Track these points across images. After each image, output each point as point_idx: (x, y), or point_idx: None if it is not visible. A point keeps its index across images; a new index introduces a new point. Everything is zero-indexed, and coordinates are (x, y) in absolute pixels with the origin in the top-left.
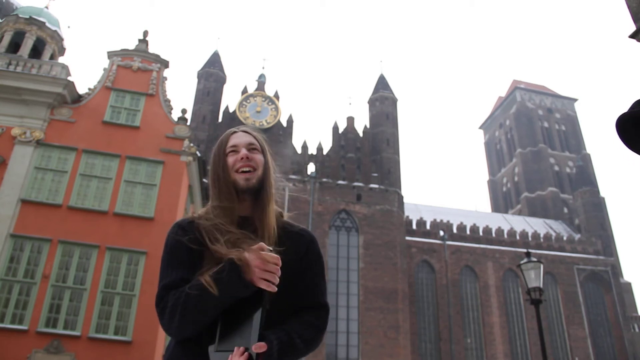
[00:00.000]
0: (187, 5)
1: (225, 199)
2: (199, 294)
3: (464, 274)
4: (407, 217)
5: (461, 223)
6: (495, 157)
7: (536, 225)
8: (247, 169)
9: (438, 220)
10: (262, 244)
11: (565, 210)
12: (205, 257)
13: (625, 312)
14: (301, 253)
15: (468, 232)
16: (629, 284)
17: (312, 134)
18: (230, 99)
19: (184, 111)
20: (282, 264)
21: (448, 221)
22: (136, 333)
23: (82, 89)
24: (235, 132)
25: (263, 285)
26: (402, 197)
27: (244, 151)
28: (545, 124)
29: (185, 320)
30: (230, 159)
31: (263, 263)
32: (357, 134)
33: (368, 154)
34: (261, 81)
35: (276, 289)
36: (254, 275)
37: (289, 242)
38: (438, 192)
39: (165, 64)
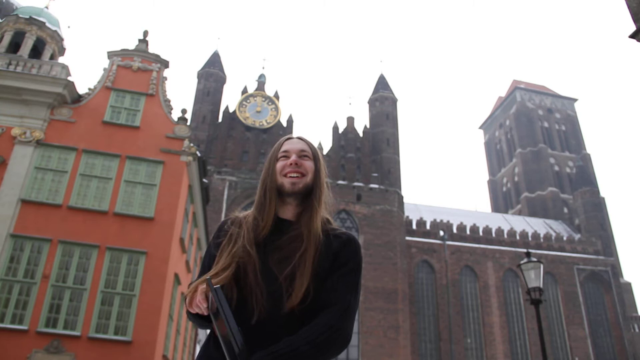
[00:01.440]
0: (187, 5)
1: (262, 204)
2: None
3: (464, 274)
4: (407, 217)
5: (461, 223)
6: (495, 157)
7: (536, 225)
8: (295, 175)
9: (438, 220)
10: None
11: (565, 210)
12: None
13: (625, 312)
14: (331, 256)
15: (468, 232)
16: (629, 284)
17: (312, 134)
18: (230, 99)
19: (184, 111)
20: (314, 271)
21: (448, 221)
22: (136, 333)
23: (82, 89)
24: (290, 138)
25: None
26: (402, 197)
27: (294, 157)
28: (545, 124)
29: (194, 324)
30: (280, 164)
31: (191, 295)
32: (357, 134)
33: (368, 154)
34: (261, 81)
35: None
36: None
37: (325, 248)
38: (438, 192)
39: (165, 64)
